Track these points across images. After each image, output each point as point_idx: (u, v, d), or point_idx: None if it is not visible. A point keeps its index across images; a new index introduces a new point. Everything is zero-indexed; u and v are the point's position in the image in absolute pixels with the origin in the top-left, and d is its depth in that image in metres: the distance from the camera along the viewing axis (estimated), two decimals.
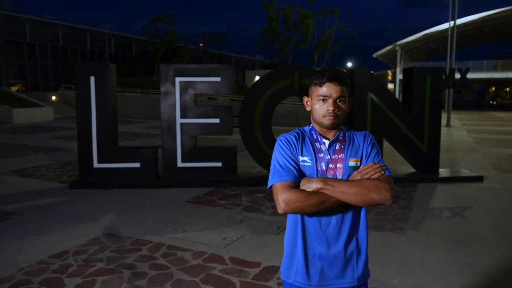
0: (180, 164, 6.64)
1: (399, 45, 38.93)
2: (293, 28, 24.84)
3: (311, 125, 1.74)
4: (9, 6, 44.68)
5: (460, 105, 47.53)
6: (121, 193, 6.22)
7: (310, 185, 1.58)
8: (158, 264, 3.71)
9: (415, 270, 3.65)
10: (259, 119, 6.73)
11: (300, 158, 1.66)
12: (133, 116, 22.93)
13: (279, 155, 1.67)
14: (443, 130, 16.91)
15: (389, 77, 56.22)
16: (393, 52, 41.33)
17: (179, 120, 6.57)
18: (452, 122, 20.41)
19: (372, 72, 7.44)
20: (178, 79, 6.52)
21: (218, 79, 6.54)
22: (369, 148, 1.70)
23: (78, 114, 6.47)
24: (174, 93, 6.53)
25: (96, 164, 6.51)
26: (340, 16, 28.51)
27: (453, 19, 20.44)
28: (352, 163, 1.67)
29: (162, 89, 6.56)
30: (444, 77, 7.37)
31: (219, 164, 6.73)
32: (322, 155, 1.67)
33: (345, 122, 6.94)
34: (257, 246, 4.16)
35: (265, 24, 26.33)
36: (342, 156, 1.67)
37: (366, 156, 1.69)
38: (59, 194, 6.17)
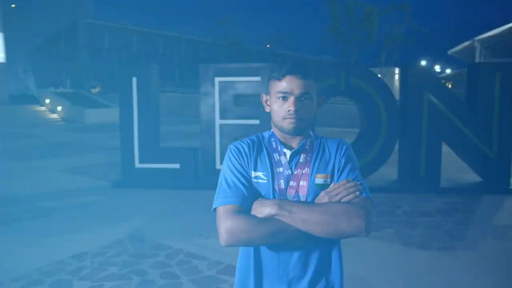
0: (219, 166, 6.48)
1: (478, 40, 35.73)
2: (357, 25, 23.73)
3: (272, 130, 1.40)
4: (92, 15, 48.42)
5: None
6: (159, 194, 6.20)
7: (263, 210, 1.24)
8: (171, 272, 3.54)
9: None
10: None
11: (253, 174, 1.32)
12: (196, 116, 23.45)
13: (226, 169, 1.34)
14: None
15: None
16: (471, 49, 38.06)
17: (218, 121, 6.41)
18: None
19: (431, 69, 6.70)
20: (217, 79, 6.36)
21: (258, 78, 6.27)
22: (343, 161, 1.31)
23: (121, 114, 6.58)
24: (213, 94, 6.39)
25: (137, 164, 6.57)
26: (410, 10, 26.74)
27: None
28: (319, 180, 1.30)
29: (201, 89, 6.45)
30: None
31: None
32: (281, 169, 1.31)
33: (397, 126, 6.31)
34: None
35: (329, 23, 25.51)
36: (307, 171, 1.31)
37: (338, 171, 1.31)
38: (101, 193, 6.31)
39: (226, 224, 1.22)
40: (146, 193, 6.24)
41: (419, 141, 6.34)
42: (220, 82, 6.36)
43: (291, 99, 1.29)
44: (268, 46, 40.36)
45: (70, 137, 13.99)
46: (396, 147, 6.67)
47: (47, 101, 21.37)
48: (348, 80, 6.18)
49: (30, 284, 3.32)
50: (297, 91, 1.28)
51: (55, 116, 20.05)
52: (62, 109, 19.91)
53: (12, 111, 19.08)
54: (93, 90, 40.72)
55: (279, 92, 1.30)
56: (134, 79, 6.43)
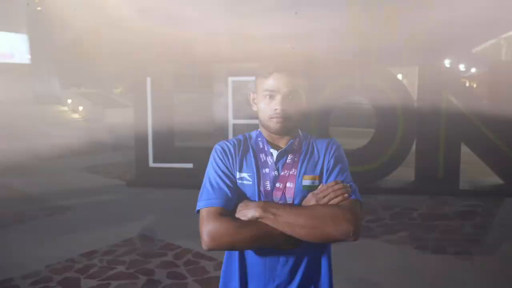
0: None
1: (505, 39, 34.59)
2: (378, 24, 23.42)
3: (259, 130, 1.36)
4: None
5: None
6: (172, 193, 6.22)
7: (247, 213, 1.19)
8: (177, 272, 3.53)
9: None
10: (315, 120, 6.26)
11: (238, 175, 1.27)
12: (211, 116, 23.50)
13: (211, 170, 1.31)
14: None
15: None
16: (497, 47, 36.91)
17: (231, 121, 6.39)
18: None
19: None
20: (231, 79, 6.34)
21: None
22: (332, 161, 1.25)
23: (135, 114, 6.64)
24: (226, 93, 6.37)
25: (151, 164, 6.62)
26: (434, 8, 26.09)
27: None
28: (307, 181, 1.24)
29: (215, 89, 6.45)
30: None
31: None
32: (267, 170, 1.26)
33: (414, 126, 6.14)
34: None
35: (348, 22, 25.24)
36: (294, 172, 1.25)
37: (327, 172, 1.25)
38: (115, 192, 6.38)
39: (208, 226, 1.18)
40: (159, 192, 6.27)
41: (437, 142, 6.16)
42: (233, 81, 6.34)
43: (278, 97, 1.24)
44: (292, 47, 40.19)
45: (89, 136, 14.24)
46: (413, 147, 6.50)
47: (69, 101, 21.84)
48: (364, 79, 6.06)
49: (39, 281, 3.37)
50: (284, 89, 1.23)
51: (76, 116, 20.47)
52: (83, 109, 20.32)
53: (36, 111, 19.60)
54: (116, 91, 41.38)
55: (266, 90, 1.26)
56: (148, 79, 6.48)
